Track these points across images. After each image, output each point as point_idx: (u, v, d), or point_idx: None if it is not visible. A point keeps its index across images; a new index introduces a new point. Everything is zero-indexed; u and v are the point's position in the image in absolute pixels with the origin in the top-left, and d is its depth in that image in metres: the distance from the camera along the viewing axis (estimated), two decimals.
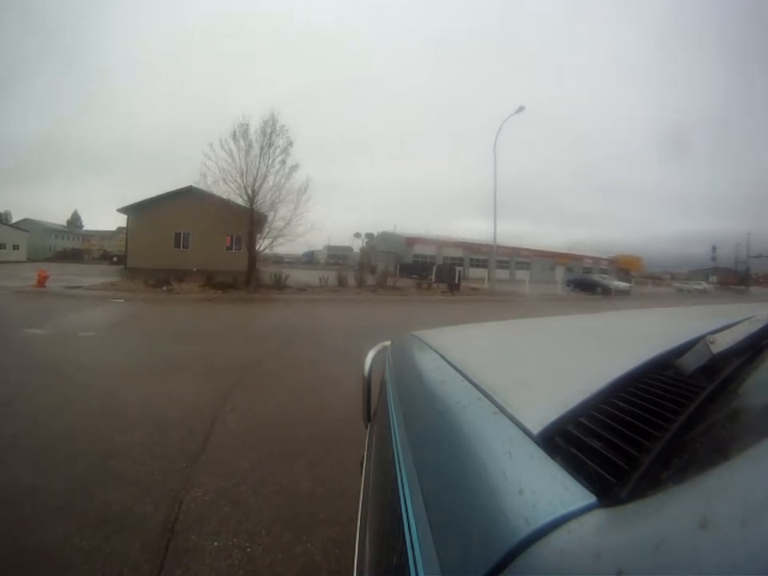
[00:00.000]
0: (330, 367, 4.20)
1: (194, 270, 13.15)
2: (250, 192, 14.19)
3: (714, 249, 52.41)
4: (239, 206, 14.43)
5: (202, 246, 19.76)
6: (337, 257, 50.99)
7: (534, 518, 0.26)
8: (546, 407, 0.41)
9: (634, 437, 0.36)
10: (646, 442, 0.35)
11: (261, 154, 14.32)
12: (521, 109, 18.98)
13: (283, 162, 14.66)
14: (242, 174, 14.14)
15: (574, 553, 0.23)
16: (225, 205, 14.41)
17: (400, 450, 0.53)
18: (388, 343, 1.12)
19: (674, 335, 0.64)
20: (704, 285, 39.59)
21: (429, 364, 0.71)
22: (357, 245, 47.11)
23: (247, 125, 14.25)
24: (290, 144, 14.75)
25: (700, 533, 0.20)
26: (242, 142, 14.17)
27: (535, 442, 0.35)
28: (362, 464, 0.88)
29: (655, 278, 51.17)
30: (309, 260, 55.86)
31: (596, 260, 50.81)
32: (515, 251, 42.20)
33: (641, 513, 0.24)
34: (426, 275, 21.15)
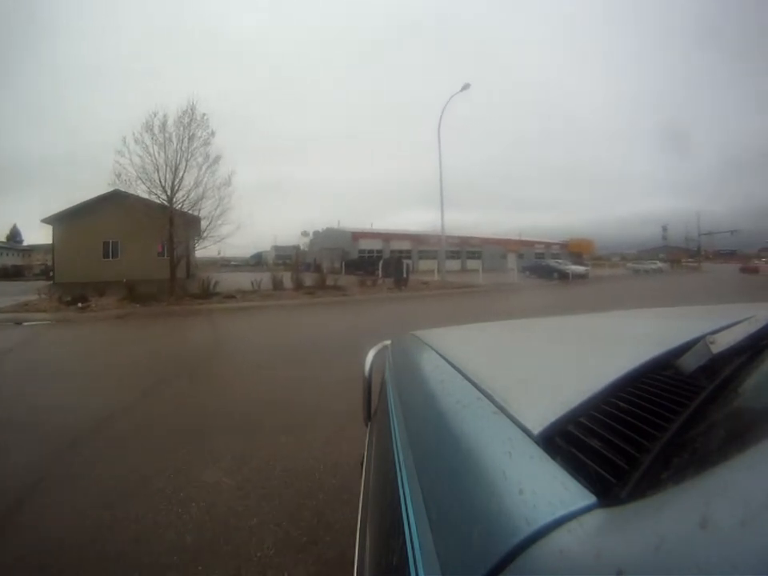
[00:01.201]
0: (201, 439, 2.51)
1: (124, 280, 11.69)
2: (168, 190, 12.63)
3: (664, 228, 52.80)
4: (179, 211, 12.97)
5: (132, 255, 18.13)
6: (285, 257, 47.88)
7: (534, 518, 0.26)
8: (546, 407, 0.41)
9: (634, 437, 0.36)
10: (645, 442, 0.35)
11: (179, 146, 12.74)
12: (466, 86, 17.64)
13: (207, 156, 13.15)
14: (159, 170, 12.57)
15: (574, 553, 0.23)
16: (154, 208, 12.77)
17: (400, 450, 0.53)
18: (388, 343, 1.12)
19: (673, 335, 0.64)
20: (658, 264, 39.57)
21: (429, 364, 0.71)
22: (305, 243, 45.63)
23: (165, 115, 12.67)
24: (212, 134, 13.24)
25: (700, 533, 0.20)
26: (156, 134, 12.57)
27: (535, 442, 0.35)
28: (362, 464, 0.88)
29: (604, 260, 51.18)
30: (257, 262, 52.16)
31: (548, 245, 50.10)
32: (465, 240, 41.00)
33: (641, 513, 0.24)
34: (372, 271, 20.18)
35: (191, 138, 13.00)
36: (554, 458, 0.32)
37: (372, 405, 1.00)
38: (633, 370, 0.50)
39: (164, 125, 12.67)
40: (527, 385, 0.52)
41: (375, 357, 1.05)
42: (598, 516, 0.25)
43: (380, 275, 18.16)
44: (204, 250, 14.23)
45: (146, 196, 12.99)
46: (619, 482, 0.29)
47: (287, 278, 13.70)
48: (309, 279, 14.06)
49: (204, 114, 13.17)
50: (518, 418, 0.39)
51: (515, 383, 0.53)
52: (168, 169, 12.70)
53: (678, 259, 52.20)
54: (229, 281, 14.55)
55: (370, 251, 34.25)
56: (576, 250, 52.45)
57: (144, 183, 12.65)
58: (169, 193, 12.70)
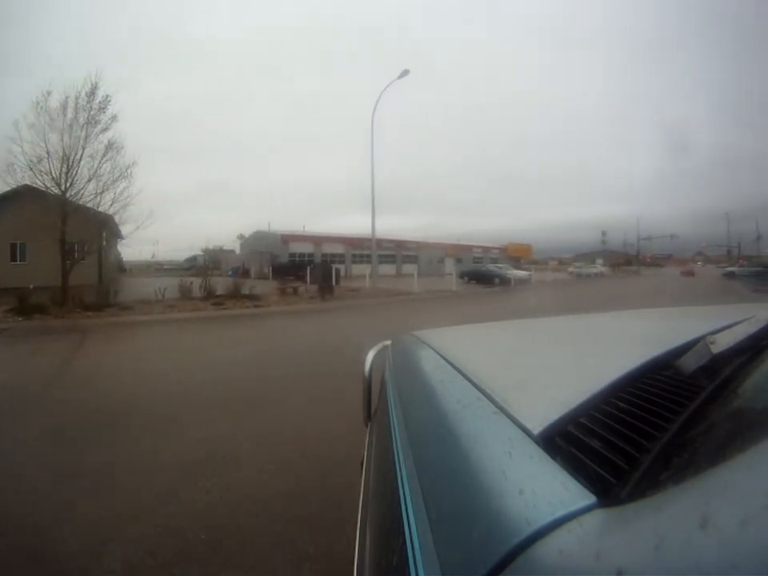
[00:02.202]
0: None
1: (31, 286, 10.07)
2: (62, 183, 10.82)
3: (603, 233, 53.16)
4: (84, 207, 11.46)
5: (41, 258, 14.64)
6: (219, 261, 47.45)
7: (534, 518, 0.26)
8: (546, 407, 0.41)
9: (634, 437, 0.36)
10: (645, 442, 0.35)
11: (74, 132, 10.83)
12: (405, 72, 16.06)
13: (110, 144, 11.41)
14: (51, 159, 10.74)
15: (574, 553, 0.23)
16: (68, 206, 10.97)
17: (400, 450, 0.53)
18: (388, 343, 1.12)
19: (673, 335, 0.64)
20: (599, 267, 39.79)
21: (429, 364, 0.71)
22: (240, 246, 43.60)
23: (67, 97, 10.80)
24: (113, 119, 11.42)
25: (700, 533, 0.20)
26: (48, 115, 10.69)
27: (535, 442, 0.35)
28: (362, 464, 0.88)
29: (542, 264, 51.25)
30: (191, 265, 47.53)
31: (486, 249, 49.74)
32: (401, 244, 40.07)
33: (641, 513, 0.24)
34: (302, 276, 18.65)
35: (89, 123, 11.13)
36: (554, 458, 0.32)
37: (372, 405, 1.00)
38: (633, 370, 0.50)
39: (64, 107, 10.87)
40: (527, 385, 0.52)
41: (375, 357, 1.05)
42: (598, 516, 0.25)
43: (309, 281, 16.75)
44: (139, 254, 13.13)
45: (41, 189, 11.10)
46: (619, 482, 0.29)
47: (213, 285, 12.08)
48: (226, 286, 12.38)
49: (107, 96, 11.36)
50: (518, 418, 0.39)
51: (515, 383, 0.53)
52: (62, 157, 10.86)
53: (618, 263, 52.83)
54: (140, 287, 12.74)
55: (301, 255, 32.73)
56: (515, 254, 52.33)
57: (37, 175, 10.90)
58: (63, 186, 10.89)
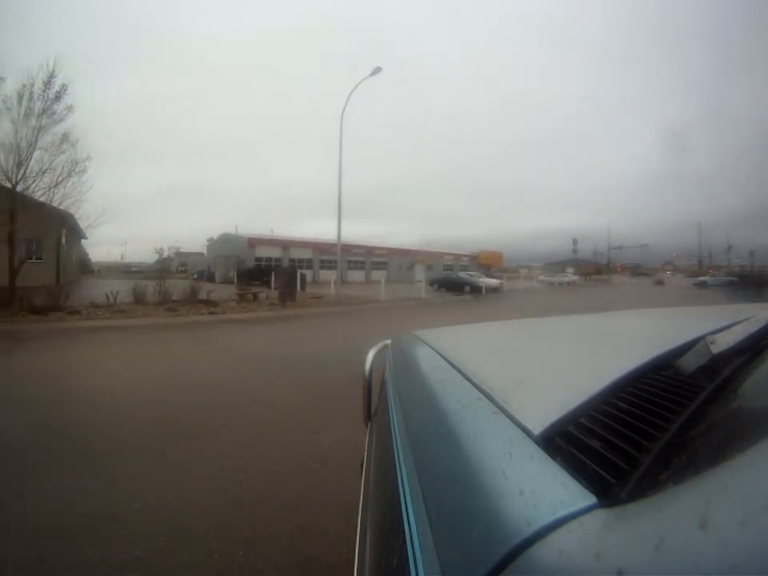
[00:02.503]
0: None
1: None
2: (13, 176, 10.02)
3: (574, 242, 53.01)
4: (39, 203, 10.66)
5: None
6: (185, 264, 43.54)
7: (535, 519, 0.26)
8: (546, 407, 0.41)
9: (634, 437, 0.36)
10: (645, 442, 0.35)
11: (26, 120, 10.03)
12: (377, 70, 14.97)
13: (65, 135, 10.64)
14: (1, 149, 9.92)
15: (574, 553, 0.23)
16: (18, 200, 10.21)
17: (400, 450, 0.53)
18: (389, 342, 1.12)
19: (673, 335, 0.65)
20: (571, 276, 39.05)
21: (429, 364, 0.71)
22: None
23: (24, 85, 10.01)
24: (69, 109, 10.66)
25: (700, 533, 0.20)
26: (1, 103, 9.93)
27: (535, 443, 0.35)
28: (362, 464, 0.88)
29: (512, 272, 50.29)
30: (160, 267, 46.75)
31: (457, 257, 49.06)
32: (371, 250, 39.29)
33: (641, 513, 0.24)
34: (267, 280, 18.02)
35: (44, 113, 10.38)
36: (554, 458, 0.32)
37: (372, 405, 1.00)
38: (633, 370, 0.50)
39: (20, 95, 10.11)
40: (527, 385, 0.52)
41: (375, 357, 1.05)
42: (598, 516, 0.25)
43: (273, 286, 16.03)
44: (108, 254, 12.16)
45: None
46: (619, 482, 0.29)
47: (177, 288, 11.30)
48: (184, 290, 11.46)
49: (64, 85, 10.57)
50: (518, 418, 0.39)
51: (515, 383, 0.53)
52: (14, 148, 10.10)
53: (589, 272, 52.43)
54: (101, 289, 11.70)
55: (268, 259, 31.43)
56: (486, 262, 51.50)
57: None
58: (13, 179, 10.15)
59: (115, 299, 10.55)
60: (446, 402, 0.50)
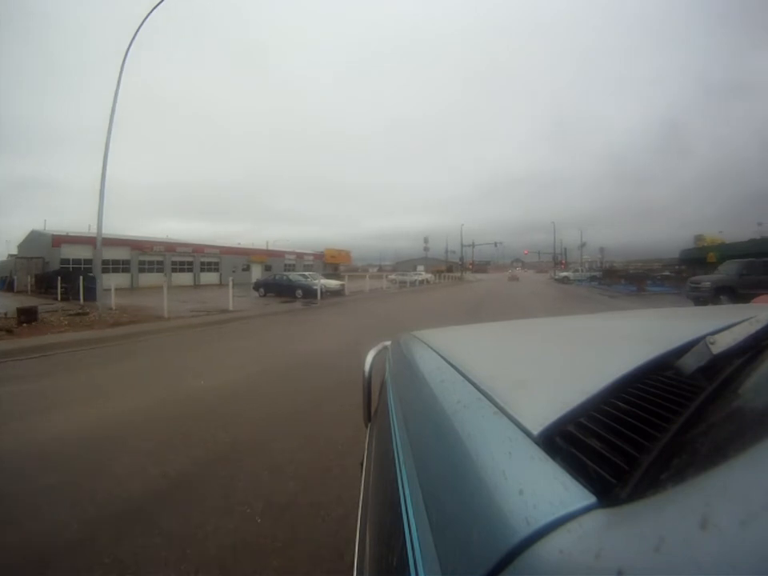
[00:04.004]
0: None
1: None
2: None
3: (426, 240, 52.98)
4: None
5: None
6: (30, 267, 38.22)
7: (534, 519, 0.26)
8: (545, 407, 0.41)
9: (634, 437, 0.36)
10: (646, 442, 0.35)
11: None
12: None
13: None
14: None
15: (574, 553, 0.23)
16: None
17: (400, 450, 0.53)
18: (388, 343, 1.12)
19: (674, 335, 0.64)
20: (423, 274, 37.37)
21: (429, 364, 0.71)
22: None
23: None
24: None
25: (700, 533, 0.20)
26: None
27: (535, 442, 0.35)
28: (362, 464, 0.88)
29: (362, 271, 48.50)
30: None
31: (300, 255, 45.95)
32: (199, 249, 34.57)
33: (641, 513, 0.24)
34: (67, 288, 14.71)
35: None
36: (554, 458, 0.32)
37: (372, 405, 1.00)
38: (633, 370, 0.50)
39: None
40: (527, 385, 0.52)
41: (375, 357, 1.05)
42: (598, 516, 0.25)
43: (59, 297, 13.30)
44: None
45: None
46: (619, 483, 0.29)
47: None
48: None
49: None
50: (518, 418, 0.39)
51: (515, 383, 0.53)
52: None
53: (441, 270, 51.99)
54: None
55: (77, 261, 25.91)
56: (333, 260, 49.54)
57: None
58: None
59: None
60: (446, 402, 0.50)
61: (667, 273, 27.49)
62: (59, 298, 13.46)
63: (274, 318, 10.58)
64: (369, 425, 0.99)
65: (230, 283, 12.35)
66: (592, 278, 34.23)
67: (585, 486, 0.28)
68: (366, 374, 0.99)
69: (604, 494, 0.27)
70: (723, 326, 0.59)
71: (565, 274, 38.97)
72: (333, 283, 18.43)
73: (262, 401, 3.72)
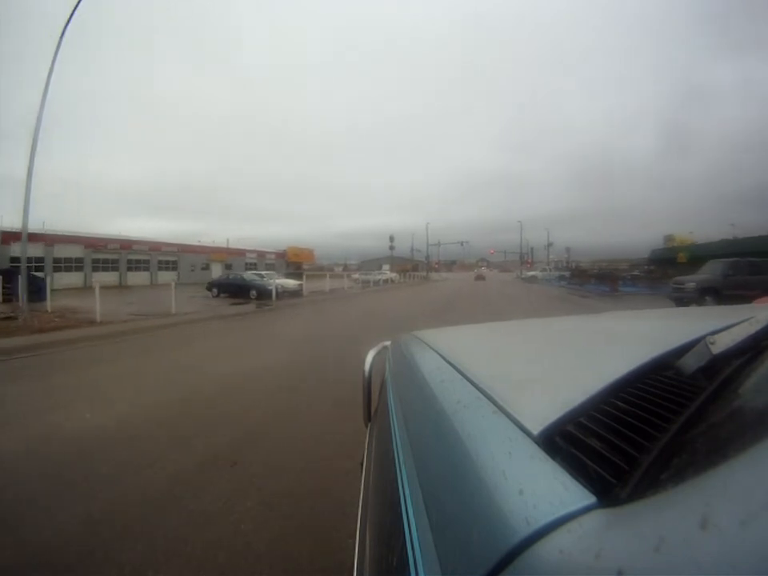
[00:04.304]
0: None
1: None
2: None
3: (391, 238, 52.65)
4: None
5: None
6: None
7: (534, 518, 0.26)
8: (546, 407, 0.41)
9: (634, 437, 0.36)
10: (646, 442, 0.35)
11: None
12: None
13: None
14: None
15: (574, 553, 0.23)
16: None
17: (400, 450, 0.53)
18: (388, 343, 1.12)
19: (674, 336, 0.64)
20: (388, 273, 36.10)
21: (429, 364, 0.71)
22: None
23: None
24: None
25: (700, 533, 0.20)
26: None
27: (535, 442, 0.35)
28: (362, 464, 0.88)
29: (326, 270, 46.39)
30: None
31: (262, 254, 44.79)
32: (156, 246, 33.23)
33: (641, 513, 0.24)
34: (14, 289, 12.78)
35: None
36: (553, 458, 0.32)
37: (372, 405, 1.00)
38: (633, 370, 0.50)
39: None
40: (527, 385, 0.52)
41: (375, 357, 1.05)
42: (598, 516, 0.25)
43: (4, 295, 12.43)
44: None
45: None
46: (619, 483, 0.29)
47: None
48: None
49: None
50: (518, 418, 0.39)
51: (515, 383, 0.53)
52: None
53: (406, 269, 51.02)
54: None
55: (29, 259, 24.18)
56: (296, 259, 47.85)
57: None
58: None
59: None
60: (445, 402, 0.50)
61: (637, 272, 26.91)
62: (1, 300, 12.51)
63: (217, 324, 9.31)
64: (369, 425, 0.99)
65: (173, 285, 11.27)
66: (560, 278, 33.68)
67: (585, 486, 0.28)
68: (366, 373, 0.99)
69: (604, 494, 0.27)
70: (723, 326, 0.59)
71: (532, 273, 38.30)
72: (290, 283, 17.37)
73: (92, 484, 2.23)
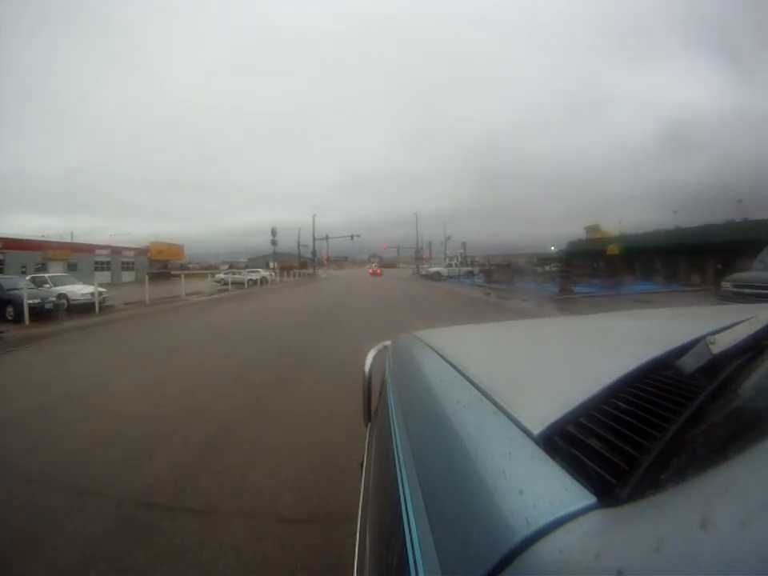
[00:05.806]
0: None
1: None
2: None
3: (273, 233, 51.29)
4: None
5: None
6: None
7: (534, 518, 0.26)
8: (545, 407, 0.41)
9: (634, 437, 0.36)
10: (646, 442, 0.35)
11: None
12: None
13: None
14: None
15: (574, 553, 0.23)
16: None
17: (400, 450, 0.53)
18: (388, 343, 1.12)
19: (673, 335, 0.64)
20: (261, 272, 31.23)
21: (429, 364, 0.71)
22: None
23: None
24: None
25: (700, 533, 0.20)
26: None
27: (535, 442, 0.35)
28: (362, 464, 0.88)
29: (212, 268, 40.33)
30: None
31: (117, 251, 37.54)
32: None
33: (641, 513, 0.24)
34: None
35: None
36: (554, 458, 0.32)
37: (372, 405, 1.00)
38: (633, 370, 0.50)
39: None
40: (527, 385, 0.52)
41: (375, 357, 1.05)
42: (598, 516, 0.25)
43: None
44: None
45: None
46: (619, 483, 0.29)
47: None
48: None
49: None
50: (518, 418, 0.39)
51: (515, 383, 0.53)
52: None
53: (291, 266, 47.07)
54: None
55: None
56: (160, 256, 42.27)
57: None
58: None
59: None
60: (446, 402, 0.50)
61: (554, 267, 23.06)
62: None
63: None
64: (369, 424, 0.99)
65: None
66: (470, 274, 29.59)
67: (585, 486, 0.28)
68: (366, 373, 0.99)
69: (604, 494, 0.27)
70: (723, 325, 0.59)
71: (436, 269, 32.38)
72: (80, 292, 11.46)
73: None
